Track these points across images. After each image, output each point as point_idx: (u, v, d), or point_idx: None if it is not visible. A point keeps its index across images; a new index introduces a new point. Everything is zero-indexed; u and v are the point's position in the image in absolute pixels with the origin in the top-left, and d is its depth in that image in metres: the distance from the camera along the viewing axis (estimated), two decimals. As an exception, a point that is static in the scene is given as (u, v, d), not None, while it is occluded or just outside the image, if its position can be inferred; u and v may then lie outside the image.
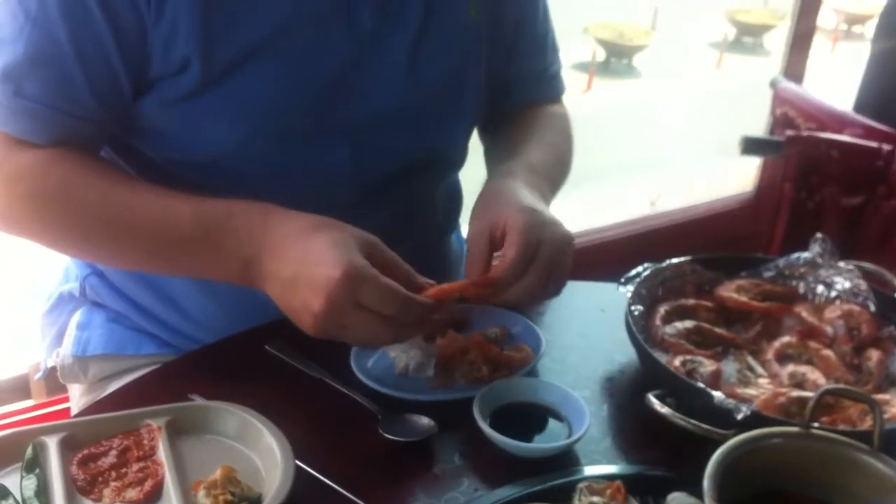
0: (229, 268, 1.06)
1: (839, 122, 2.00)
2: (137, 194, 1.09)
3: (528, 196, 1.13)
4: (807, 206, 1.90)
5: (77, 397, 1.37)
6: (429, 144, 1.28)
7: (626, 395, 1.12)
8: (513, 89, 1.39)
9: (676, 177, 3.27)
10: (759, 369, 1.11)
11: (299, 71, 1.12)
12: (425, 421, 1.02)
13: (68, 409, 1.56)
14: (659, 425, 0.99)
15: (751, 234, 2.84)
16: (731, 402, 0.98)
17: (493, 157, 1.35)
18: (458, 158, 1.37)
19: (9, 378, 2.19)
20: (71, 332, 1.33)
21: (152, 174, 1.14)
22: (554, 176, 1.30)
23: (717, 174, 3.15)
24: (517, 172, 1.19)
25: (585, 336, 1.22)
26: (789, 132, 1.90)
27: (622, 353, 1.17)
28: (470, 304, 1.13)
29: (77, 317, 1.34)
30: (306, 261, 0.97)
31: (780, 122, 2.10)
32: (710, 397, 0.99)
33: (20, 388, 2.18)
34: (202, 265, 1.10)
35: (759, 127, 2.81)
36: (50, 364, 1.38)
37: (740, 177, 2.94)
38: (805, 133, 1.90)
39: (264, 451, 0.95)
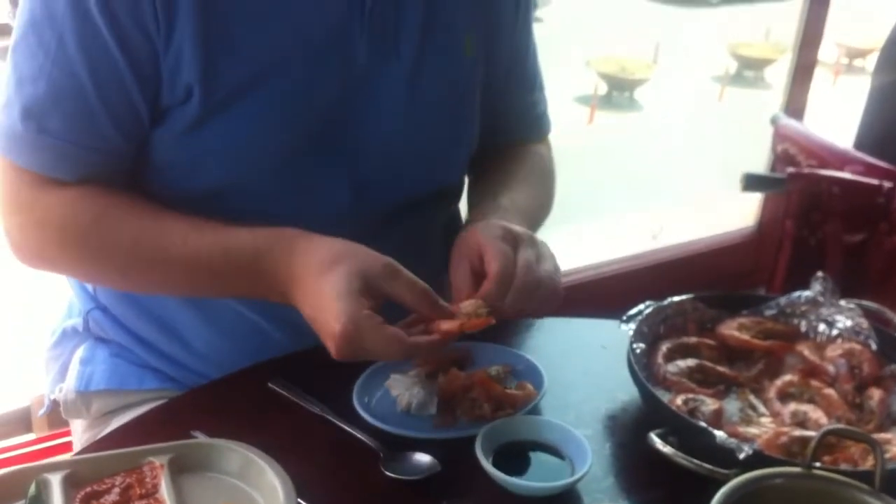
0: (268, 295, 1.11)
1: (840, 158, 2.02)
2: (165, 231, 1.12)
3: (499, 220, 1.15)
4: (809, 242, 1.91)
5: (79, 433, 1.37)
6: (429, 177, 1.29)
7: (628, 434, 1.12)
8: (500, 127, 1.41)
9: (678, 210, 3.28)
10: (762, 408, 1.12)
11: (297, 104, 1.14)
12: (427, 459, 1.02)
13: (70, 443, 1.56)
14: (661, 464, 0.99)
15: (753, 269, 2.85)
16: (733, 442, 0.98)
17: (473, 199, 1.36)
18: (459, 189, 1.39)
19: (10, 411, 2.20)
20: (74, 367, 1.33)
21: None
22: (532, 215, 1.31)
23: (719, 208, 3.16)
24: (493, 214, 1.21)
25: (587, 373, 1.22)
26: (790, 169, 1.91)
27: (624, 390, 1.17)
28: (472, 339, 1.13)
29: (80, 352, 1.34)
30: (316, 306, 1.01)
31: (781, 158, 2.11)
32: (713, 437, 0.99)
33: (22, 421, 2.19)
34: (242, 294, 1.16)
35: (760, 160, 2.82)
36: (53, 398, 1.39)
37: (742, 211, 2.95)
38: (806, 170, 1.91)
39: (267, 490, 0.95)
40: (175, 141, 1.13)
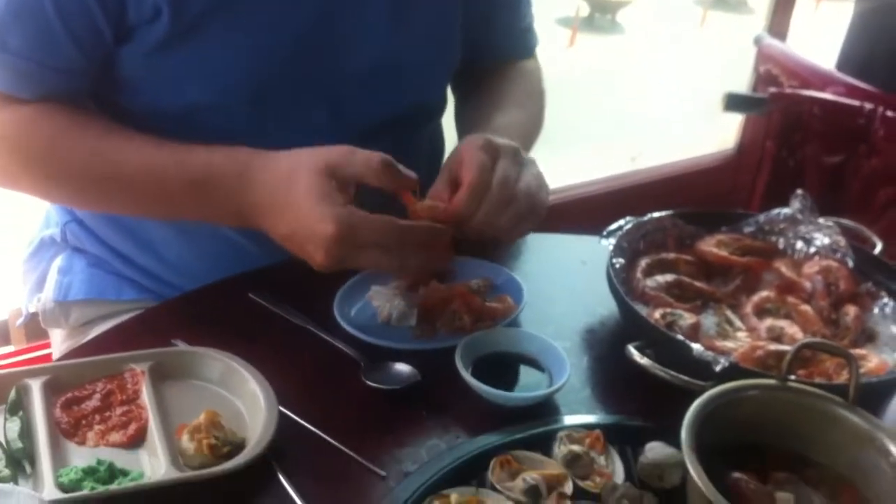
0: (225, 217, 1.10)
1: (822, 79, 2.01)
2: (121, 149, 1.10)
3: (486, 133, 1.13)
4: (788, 163, 1.91)
5: (59, 343, 1.37)
6: (411, 97, 1.27)
7: (606, 347, 1.13)
8: (486, 43, 1.39)
9: (659, 133, 3.26)
10: (738, 323, 1.13)
11: (272, 26, 1.12)
12: (407, 369, 1.03)
13: (49, 355, 1.56)
14: (638, 376, 1.00)
15: (731, 191, 2.86)
16: (709, 355, 0.99)
17: (463, 122, 1.35)
18: (440, 107, 1.37)
19: (-12, 323, 2.19)
20: (52, 277, 1.32)
21: (130, 126, 1.13)
22: (526, 135, 1.30)
23: (699, 131, 3.15)
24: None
25: (567, 288, 1.23)
26: (772, 89, 1.90)
27: (603, 305, 1.18)
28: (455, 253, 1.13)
29: (58, 262, 1.33)
30: (296, 218, 0.99)
31: (763, 79, 2.10)
32: (689, 349, 1.00)
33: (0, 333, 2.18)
34: (197, 214, 1.13)
35: (742, 84, 2.81)
36: (31, 310, 1.38)
37: (723, 134, 2.94)
38: (788, 90, 1.91)
39: (248, 397, 0.96)
40: (144, 60, 1.10)
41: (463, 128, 1.33)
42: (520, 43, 1.44)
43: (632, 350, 1.01)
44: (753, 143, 2.79)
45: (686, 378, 0.97)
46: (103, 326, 1.29)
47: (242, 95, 1.13)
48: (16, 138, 1.11)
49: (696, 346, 1.00)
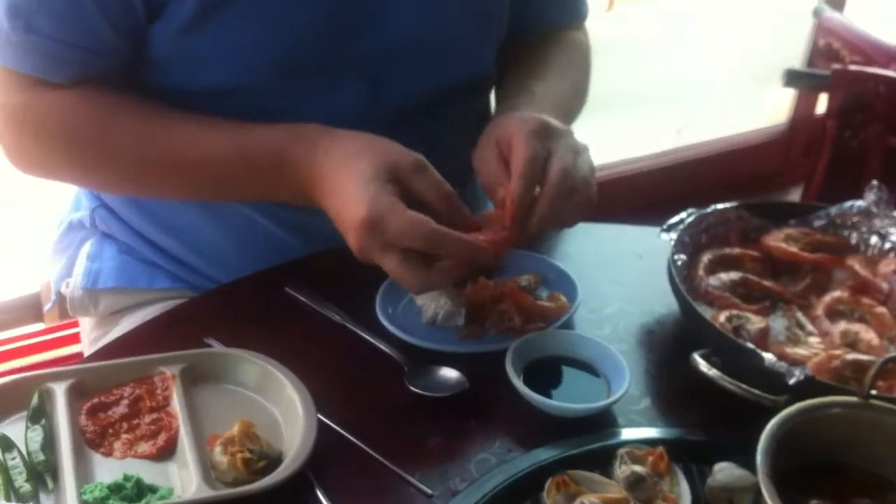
0: (282, 197, 1.03)
1: (887, 55, 1.90)
2: (175, 132, 1.04)
3: (533, 111, 1.05)
4: (850, 144, 1.81)
5: (87, 330, 1.31)
6: (456, 72, 1.19)
7: (665, 351, 1.05)
8: (533, 10, 1.30)
9: (705, 105, 3.14)
10: (809, 326, 1.05)
11: (301, 1, 1.04)
12: (454, 375, 0.96)
13: (78, 333, 1.50)
14: (701, 385, 0.93)
15: (783, 170, 2.76)
16: (782, 365, 0.91)
17: (503, 91, 1.26)
18: (488, 82, 1.29)
19: (19, 297, 2.15)
20: (81, 263, 1.27)
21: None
22: (567, 107, 1.21)
23: (748, 104, 3.04)
24: (525, 105, 1.11)
25: (622, 284, 1.15)
26: (835, 66, 1.80)
27: (661, 303, 1.11)
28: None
29: (87, 247, 1.28)
30: (340, 198, 0.93)
31: (822, 53, 2.00)
32: (761, 359, 0.92)
33: (31, 308, 2.14)
34: (260, 196, 1.08)
35: (793, 54, 2.69)
36: (59, 292, 1.33)
37: (773, 106, 2.83)
38: (851, 67, 1.80)
39: (284, 404, 0.89)
40: (175, 38, 1.03)
41: (500, 95, 1.25)
42: (568, 9, 1.34)
43: (698, 359, 0.93)
44: (807, 118, 2.69)
45: (758, 392, 0.90)
46: (133, 316, 1.23)
47: (275, 73, 1.06)
48: (59, 125, 1.06)
49: (769, 357, 0.92)
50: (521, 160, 0.97)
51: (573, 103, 1.23)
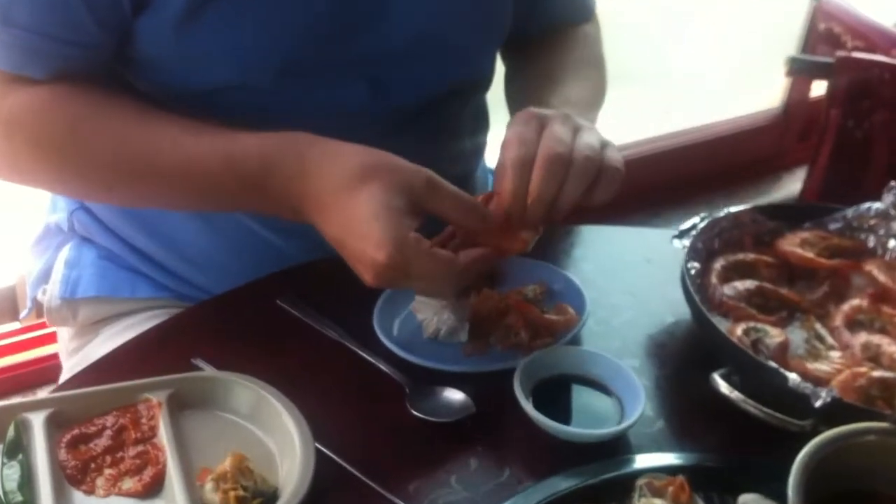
0: (279, 213, 0.94)
1: (889, 40, 1.85)
2: (154, 136, 0.96)
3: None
4: (855, 134, 1.76)
5: (66, 340, 1.25)
6: (457, 72, 1.13)
7: (679, 366, 1.00)
8: (542, 6, 1.23)
9: (695, 89, 3.08)
10: (829, 339, 0.99)
11: None
12: (459, 397, 0.90)
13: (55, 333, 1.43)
14: (718, 406, 0.88)
15: (777, 154, 2.71)
16: (808, 387, 0.86)
17: (515, 99, 1.20)
18: (488, 80, 1.23)
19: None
20: (59, 270, 1.20)
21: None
22: (587, 108, 1.15)
23: (740, 87, 2.97)
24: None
25: (632, 293, 1.10)
26: (839, 53, 1.75)
27: (672, 312, 1.06)
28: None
29: (65, 253, 1.21)
30: (349, 231, 0.85)
31: (823, 38, 1.94)
32: (784, 380, 0.87)
33: (7, 302, 2.06)
34: (248, 208, 1.01)
35: (787, 37, 2.64)
36: (35, 299, 1.26)
37: (765, 90, 2.77)
38: (856, 55, 1.75)
39: (280, 434, 0.84)
40: (165, 35, 0.95)
41: (514, 105, 1.19)
42: (578, 5, 1.28)
43: (718, 380, 0.88)
44: (801, 103, 2.64)
45: (783, 417, 0.85)
46: (115, 326, 1.17)
47: (273, 72, 0.99)
48: (29, 124, 0.98)
49: (793, 378, 0.87)
50: (507, 150, 0.90)
51: (592, 105, 1.16)
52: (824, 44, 1.93)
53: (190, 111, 0.96)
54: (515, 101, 1.18)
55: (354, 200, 0.84)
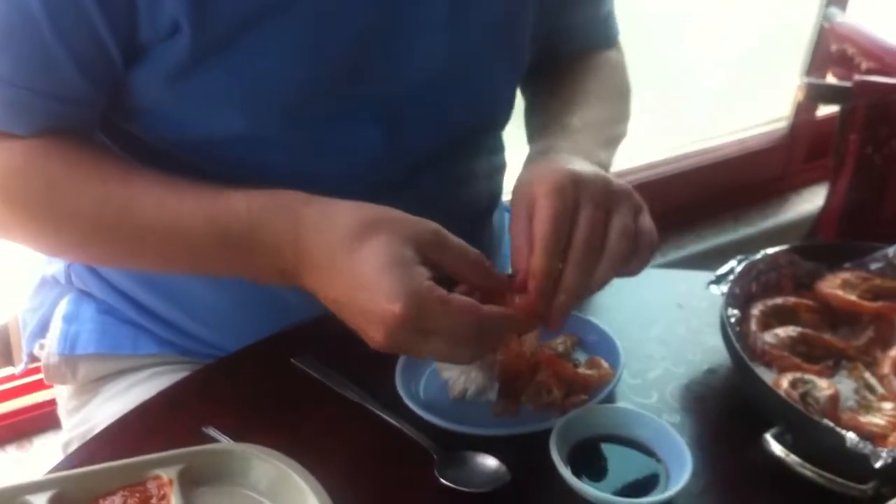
0: (265, 278, 0.87)
1: (905, 62, 1.80)
2: (138, 195, 0.89)
3: (564, 158, 0.91)
4: (874, 160, 1.71)
5: (65, 399, 1.18)
6: (478, 111, 1.08)
7: (722, 423, 0.94)
8: (564, 34, 1.18)
9: (695, 107, 3.03)
10: (879, 387, 0.94)
11: (315, 39, 0.90)
12: (492, 464, 0.84)
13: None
14: (770, 468, 0.82)
15: (784, 175, 2.66)
16: (866, 446, 0.80)
17: (533, 125, 1.14)
18: (506, 118, 1.17)
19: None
20: (56, 326, 1.14)
21: (150, 161, 0.93)
22: (608, 134, 1.09)
23: (742, 106, 2.92)
24: (558, 145, 0.97)
25: (665, 342, 1.04)
26: (857, 77, 1.70)
27: (708, 360, 1.01)
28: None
29: (63, 307, 1.14)
30: (357, 287, 0.77)
31: (835, 59, 1.89)
32: (841, 439, 0.81)
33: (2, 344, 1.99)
34: (232, 273, 0.92)
35: (793, 52, 2.58)
36: (31, 353, 1.20)
37: (770, 100, 2.70)
38: (874, 78, 1.70)
39: (302, 513, 0.77)
40: (162, 85, 0.89)
41: (532, 131, 1.12)
42: (601, 30, 1.22)
43: (772, 442, 0.82)
44: (808, 123, 2.59)
45: (843, 482, 0.79)
46: (117, 384, 1.12)
47: (279, 120, 0.93)
48: (7, 180, 0.91)
49: (850, 437, 0.81)
50: (540, 224, 0.83)
51: (614, 132, 1.10)
52: (836, 65, 1.89)
53: (191, 161, 0.90)
54: (535, 126, 1.11)
55: (358, 256, 0.78)
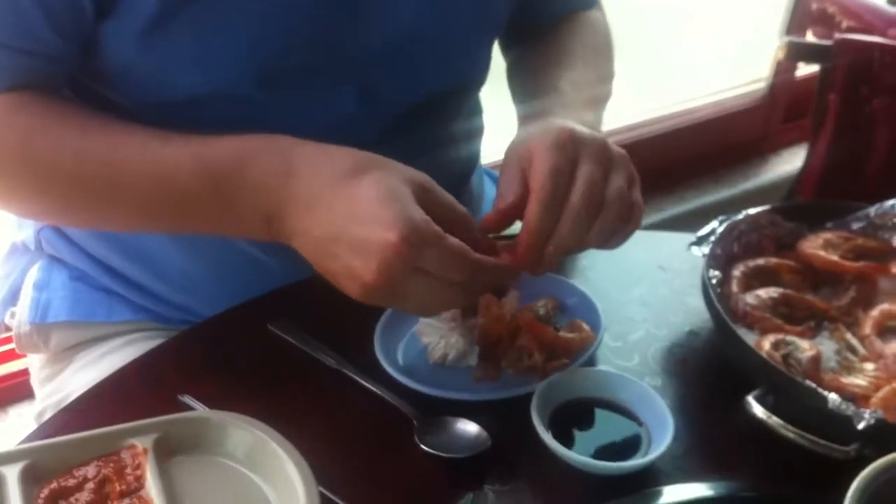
0: (248, 226, 0.84)
1: (884, 20, 1.79)
2: (118, 144, 0.86)
3: (560, 120, 0.88)
4: (855, 120, 1.70)
5: (37, 368, 1.16)
6: (452, 72, 1.06)
7: (704, 385, 0.93)
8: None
9: (674, 61, 3.00)
10: (861, 349, 0.93)
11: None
12: (474, 430, 0.83)
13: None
14: (751, 430, 0.81)
15: (763, 136, 2.65)
16: (849, 408, 0.80)
17: (518, 88, 1.12)
18: (483, 79, 1.15)
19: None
20: (27, 294, 1.11)
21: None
22: (598, 97, 1.07)
23: (722, 66, 2.91)
24: (552, 110, 0.95)
25: (647, 304, 1.03)
26: (837, 36, 1.68)
27: (690, 323, 1.00)
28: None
29: (34, 274, 1.12)
30: (352, 219, 0.75)
31: (816, 18, 1.88)
32: (823, 400, 0.80)
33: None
34: (213, 224, 0.88)
35: (771, 12, 2.56)
36: (3, 322, 1.18)
37: (751, 63, 2.68)
38: (854, 37, 1.68)
39: (281, 482, 0.75)
40: (133, 42, 0.86)
41: (518, 95, 1.10)
42: None
43: (754, 404, 0.82)
44: (787, 83, 2.58)
45: (826, 443, 0.78)
46: (90, 352, 1.09)
47: (252, 81, 0.91)
48: None
49: (832, 398, 0.81)
50: (539, 176, 0.81)
51: (601, 94, 1.08)
52: (816, 24, 1.87)
53: (166, 125, 0.87)
54: (521, 88, 1.09)
55: (357, 187, 0.75)
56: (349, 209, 0.75)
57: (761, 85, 2.63)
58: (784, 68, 2.53)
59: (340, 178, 0.77)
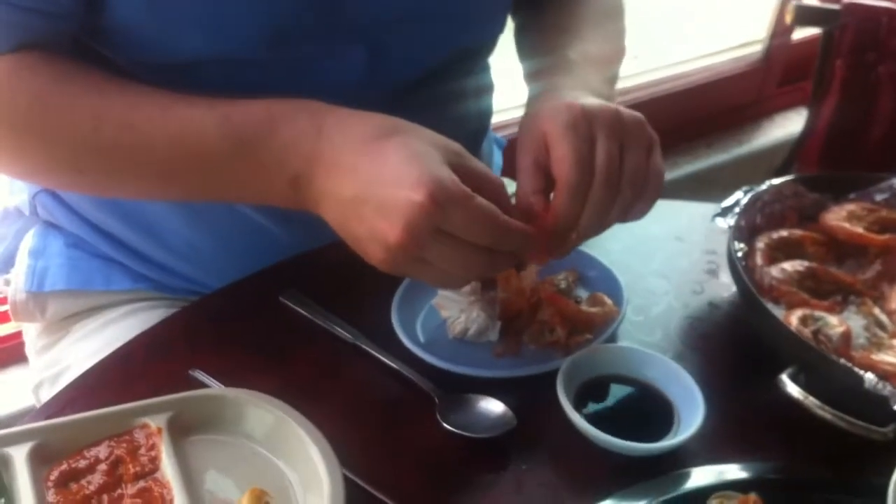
0: (273, 190, 0.80)
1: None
2: (139, 106, 0.81)
3: (570, 93, 0.86)
4: (861, 86, 1.67)
5: (33, 337, 1.12)
6: (464, 36, 1.02)
7: (730, 361, 0.91)
8: None
9: (664, 31, 2.96)
10: (890, 324, 0.91)
11: None
12: (498, 408, 0.80)
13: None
14: (782, 409, 0.79)
15: (757, 100, 2.62)
16: (886, 387, 0.77)
17: (531, 53, 1.08)
18: (494, 44, 1.11)
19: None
20: (23, 260, 1.07)
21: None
22: (609, 65, 1.04)
23: (717, 29, 2.87)
24: (561, 81, 0.92)
25: (666, 276, 1.00)
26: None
27: (712, 294, 0.98)
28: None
29: (29, 240, 1.08)
30: (378, 179, 0.72)
31: (819, -18, 1.84)
32: (859, 379, 0.78)
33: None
34: (237, 189, 0.84)
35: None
36: (-1, 288, 1.14)
37: (745, 31, 2.65)
38: (863, 1, 1.65)
39: (302, 463, 0.72)
40: (140, 2, 0.82)
41: (527, 60, 1.07)
42: None
43: (788, 383, 0.79)
44: (782, 48, 2.54)
45: (865, 425, 0.76)
46: (89, 322, 1.06)
47: (262, 41, 0.86)
48: None
49: (868, 377, 0.78)
50: (563, 165, 0.78)
51: (614, 59, 1.04)
52: (821, -12, 1.83)
53: (174, 89, 0.83)
54: (529, 55, 1.06)
55: (383, 148, 0.73)
56: (376, 170, 0.73)
57: (757, 48, 2.59)
58: (781, 31, 2.49)
59: (369, 140, 0.75)
